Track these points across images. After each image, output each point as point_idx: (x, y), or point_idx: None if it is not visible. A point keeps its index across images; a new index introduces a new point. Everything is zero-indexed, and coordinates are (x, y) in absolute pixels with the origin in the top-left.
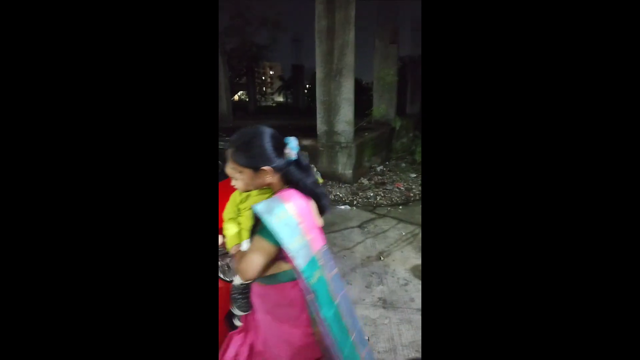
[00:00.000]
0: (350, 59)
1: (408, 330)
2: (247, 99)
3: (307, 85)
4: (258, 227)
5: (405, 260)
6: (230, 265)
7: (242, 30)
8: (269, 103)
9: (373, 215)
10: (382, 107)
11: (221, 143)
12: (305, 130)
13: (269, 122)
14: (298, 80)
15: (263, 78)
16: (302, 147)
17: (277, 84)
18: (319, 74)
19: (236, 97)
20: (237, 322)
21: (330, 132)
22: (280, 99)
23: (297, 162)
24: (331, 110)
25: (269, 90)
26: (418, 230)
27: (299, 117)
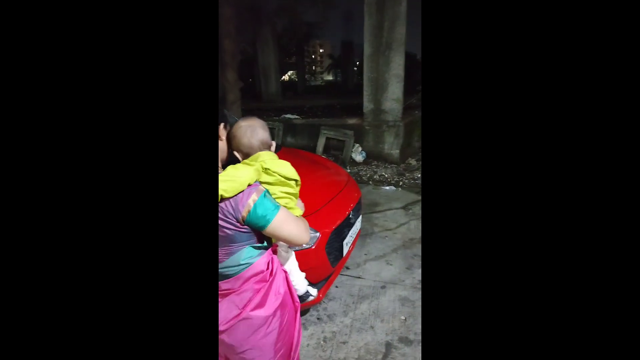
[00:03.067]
0: (401, 32)
1: None
2: (297, 79)
3: (357, 63)
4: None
5: None
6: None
7: (293, 10)
8: (319, 82)
9: (419, 197)
10: None
11: (269, 123)
12: (354, 109)
13: (317, 100)
14: (348, 57)
15: (313, 57)
16: (347, 127)
17: (327, 62)
18: (367, 49)
19: (286, 77)
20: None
21: (377, 110)
22: (330, 77)
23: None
24: (379, 87)
25: (318, 69)
26: None
27: (347, 95)
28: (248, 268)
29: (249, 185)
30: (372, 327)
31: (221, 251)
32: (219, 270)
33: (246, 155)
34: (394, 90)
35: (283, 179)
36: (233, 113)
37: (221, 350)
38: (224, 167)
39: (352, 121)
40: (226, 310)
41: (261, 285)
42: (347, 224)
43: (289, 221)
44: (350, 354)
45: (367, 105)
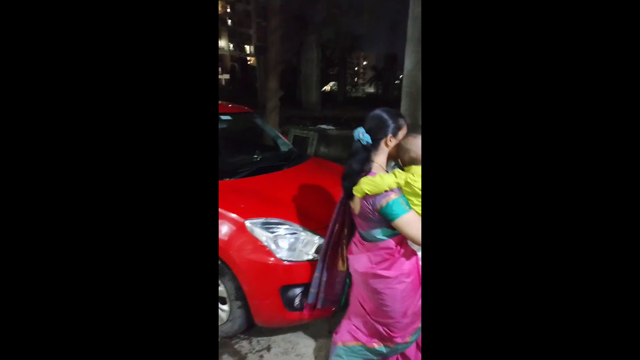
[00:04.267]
0: None
1: None
2: (337, 90)
3: (400, 76)
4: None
5: None
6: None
7: (338, 21)
8: (359, 94)
9: None
10: None
11: (304, 132)
12: None
13: (355, 112)
14: (390, 70)
15: (356, 69)
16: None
17: (369, 74)
18: (407, 64)
19: (327, 88)
20: (297, 302)
21: (414, 125)
22: (372, 89)
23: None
24: (417, 103)
25: (360, 81)
26: None
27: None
28: (382, 242)
29: (390, 189)
30: None
31: (365, 223)
32: (364, 234)
33: (404, 164)
34: None
35: (418, 192)
36: (271, 120)
37: (361, 291)
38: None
39: None
40: (365, 261)
41: (389, 257)
42: None
43: (413, 223)
44: None
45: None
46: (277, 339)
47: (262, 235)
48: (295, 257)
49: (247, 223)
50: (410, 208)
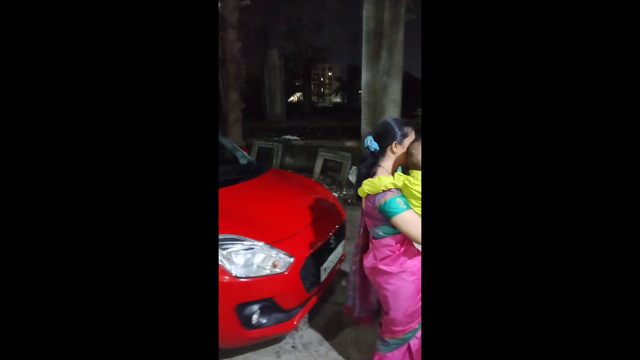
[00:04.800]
0: (398, 59)
1: None
2: (303, 100)
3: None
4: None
5: None
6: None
7: (299, 34)
8: (326, 104)
9: None
10: None
11: (269, 143)
12: (354, 131)
13: (320, 122)
14: (353, 80)
15: (321, 79)
16: (345, 149)
17: (335, 85)
18: (365, 76)
19: (294, 98)
20: (255, 319)
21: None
22: (338, 99)
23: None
24: (376, 112)
25: (326, 92)
26: None
27: (351, 117)
28: (384, 238)
29: (389, 189)
30: (348, 358)
31: (370, 221)
32: (371, 231)
33: (408, 167)
34: (391, 115)
35: (416, 194)
36: (234, 133)
37: (372, 279)
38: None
39: (350, 143)
40: (371, 258)
41: (390, 253)
42: (327, 249)
43: (411, 222)
44: None
45: (365, 128)
46: (238, 359)
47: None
48: (252, 273)
49: None
50: (409, 207)
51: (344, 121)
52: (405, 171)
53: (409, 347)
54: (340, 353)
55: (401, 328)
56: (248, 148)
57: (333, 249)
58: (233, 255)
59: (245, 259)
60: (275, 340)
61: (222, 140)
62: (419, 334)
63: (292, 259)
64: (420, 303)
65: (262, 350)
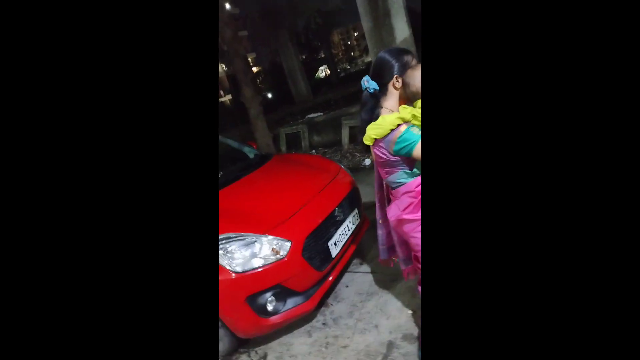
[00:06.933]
0: None
1: None
2: (330, 72)
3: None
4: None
5: None
6: None
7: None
8: (360, 67)
9: None
10: None
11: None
12: None
13: (348, 90)
14: None
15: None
16: None
17: (364, 43)
18: (366, 25)
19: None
20: (270, 307)
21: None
22: (370, 58)
23: None
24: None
25: (357, 54)
26: None
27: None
28: (402, 186)
29: (396, 126)
30: (376, 326)
31: (384, 170)
32: (388, 181)
33: (409, 100)
34: None
35: None
36: (259, 126)
37: (399, 235)
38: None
39: None
40: (394, 209)
41: (412, 199)
42: (332, 223)
43: None
44: (349, 358)
45: None
46: (274, 344)
47: None
48: (252, 265)
49: None
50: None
51: None
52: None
53: None
54: (368, 322)
55: None
56: (276, 138)
57: (341, 222)
58: (231, 253)
59: (242, 253)
60: (307, 319)
61: (227, 140)
62: None
63: (289, 243)
64: None
65: (295, 331)
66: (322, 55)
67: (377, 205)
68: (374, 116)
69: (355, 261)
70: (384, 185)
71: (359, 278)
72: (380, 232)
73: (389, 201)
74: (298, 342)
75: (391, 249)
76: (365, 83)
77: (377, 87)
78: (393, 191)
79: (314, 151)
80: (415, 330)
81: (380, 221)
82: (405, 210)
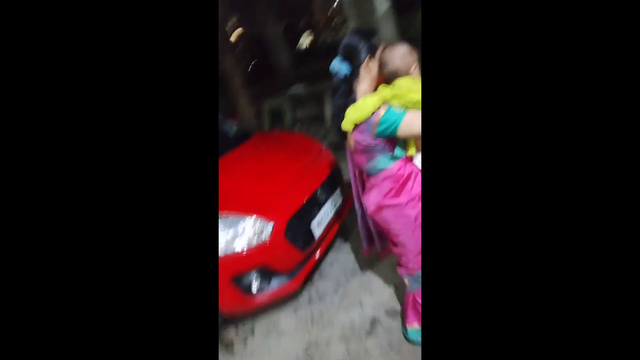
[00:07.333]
0: None
1: None
2: (315, 40)
3: None
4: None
5: None
6: None
7: None
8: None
9: None
10: None
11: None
12: None
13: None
14: None
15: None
16: None
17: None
18: None
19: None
20: (255, 286)
21: None
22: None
23: None
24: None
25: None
26: None
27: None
28: (383, 171)
29: (377, 108)
30: (360, 303)
31: (363, 157)
32: (366, 169)
33: (387, 81)
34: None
35: (415, 99)
36: (241, 99)
37: (382, 226)
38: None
39: None
40: (374, 196)
41: (394, 184)
42: (315, 203)
43: (416, 121)
44: (334, 333)
45: None
46: (260, 319)
47: None
48: (235, 247)
49: None
50: (406, 110)
51: None
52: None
53: None
54: (353, 299)
55: (411, 264)
56: (259, 113)
57: (323, 202)
58: None
59: (225, 234)
60: (294, 296)
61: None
62: None
63: (271, 224)
64: None
65: (281, 309)
66: (302, 25)
67: (354, 195)
68: (348, 101)
69: (339, 239)
70: (358, 173)
71: (343, 257)
72: (360, 221)
73: (364, 190)
74: (284, 318)
75: (370, 238)
76: (336, 67)
77: (349, 72)
78: (372, 178)
79: (298, 124)
80: (398, 306)
81: (359, 211)
82: (387, 195)
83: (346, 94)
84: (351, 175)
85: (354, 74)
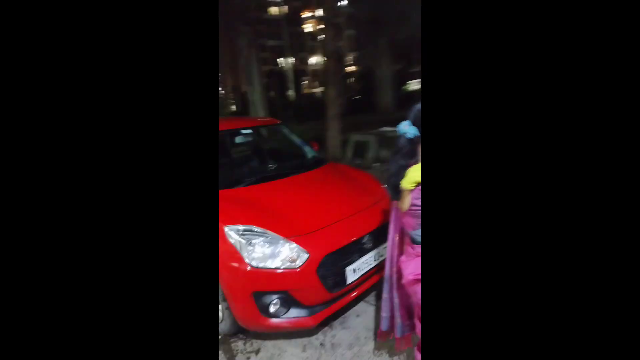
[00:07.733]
0: None
1: None
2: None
3: None
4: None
5: None
6: None
7: (411, 19)
8: None
9: None
10: None
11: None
12: None
13: None
14: None
15: None
16: None
17: None
18: None
19: (408, 87)
20: (272, 309)
21: None
22: None
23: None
24: None
25: None
26: None
27: None
28: None
29: None
30: None
31: (414, 221)
32: (414, 235)
33: None
34: None
35: None
36: (333, 127)
37: (413, 299)
38: None
39: None
40: (415, 267)
41: None
42: (358, 249)
43: None
44: None
45: None
46: (268, 344)
47: (237, 241)
48: (266, 264)
49: (226, 229)
50: None
51: None
52: None
53: None
54: None
55: None
56: (345, 142)
57: (368, 250)
58: (252, 246)
59: (261, 249)
60: (309, 333)
61: (291, 136)
62: None
63: (307, 255)
64: None
65: (293, 340)
66: (417, 70)
67: (387, 261)
68: (410, 162)
69: (374, 294)
70: (399, 239)
71: (373, 312)
72: (387, 295)
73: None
74: (291, 351)
75: (391, 318)
76: (406, 128)
77: (418, 133)
78: (417, 246)
79: (377, 164)
80: None
81: (389, 282)
82: None
83: (409, 156)
84: (390, 238)
85: (420, 138)
